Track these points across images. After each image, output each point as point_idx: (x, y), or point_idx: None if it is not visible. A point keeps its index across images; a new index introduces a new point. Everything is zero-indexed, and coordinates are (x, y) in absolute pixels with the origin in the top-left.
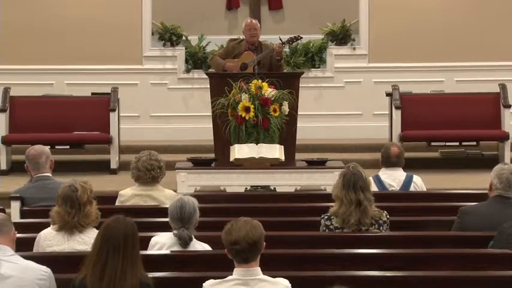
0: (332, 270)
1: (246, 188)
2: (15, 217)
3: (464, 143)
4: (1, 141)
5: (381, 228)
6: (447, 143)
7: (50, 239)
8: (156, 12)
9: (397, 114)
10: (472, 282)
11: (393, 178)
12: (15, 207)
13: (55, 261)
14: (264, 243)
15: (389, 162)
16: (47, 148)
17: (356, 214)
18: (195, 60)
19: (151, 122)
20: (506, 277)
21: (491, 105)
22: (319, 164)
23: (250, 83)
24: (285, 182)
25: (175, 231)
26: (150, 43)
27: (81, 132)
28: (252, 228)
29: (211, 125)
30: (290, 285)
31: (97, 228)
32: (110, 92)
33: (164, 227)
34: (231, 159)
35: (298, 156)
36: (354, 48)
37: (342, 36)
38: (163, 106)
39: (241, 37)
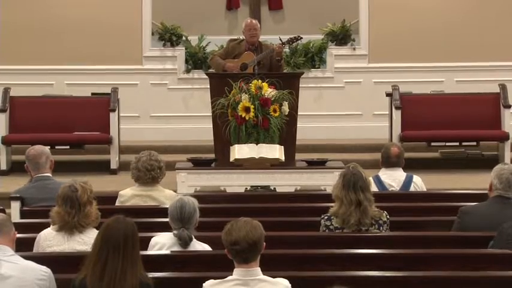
0: (332, 271)
1: (246, 188)
2: (15, 217)
3: (464, 143)
4: (1, 141)
5: (381, 228)
6: (447, 143)
7: (50, 239)
8: (156, 12)
9: (397, 115)
10: (472, 282)
11: (393, 178)
12: (15, 207)
13: (55, 261)
14: (264, 243)
15: (389, 162)
16: (47, 148)
17: (356, 214)
18: (195, 60)
19: (151, 122)
20: (506, 277)
21: (491, 106)
22: (319, 164)
23: (250, 83)
24: (285, 182)
25: (175, 232)
26: (150, 43)
27: (81, 133)
28: (252, 228)
29: (211, 125)
30: (290, 285)
31: (97, 228)
32: (110, 92)
33: (164, 227)
34: (231, 159)
35: (298, 156)
36: (354, 49)
37: (342, 36)
38: (163, 106)
39: (241, 37)
